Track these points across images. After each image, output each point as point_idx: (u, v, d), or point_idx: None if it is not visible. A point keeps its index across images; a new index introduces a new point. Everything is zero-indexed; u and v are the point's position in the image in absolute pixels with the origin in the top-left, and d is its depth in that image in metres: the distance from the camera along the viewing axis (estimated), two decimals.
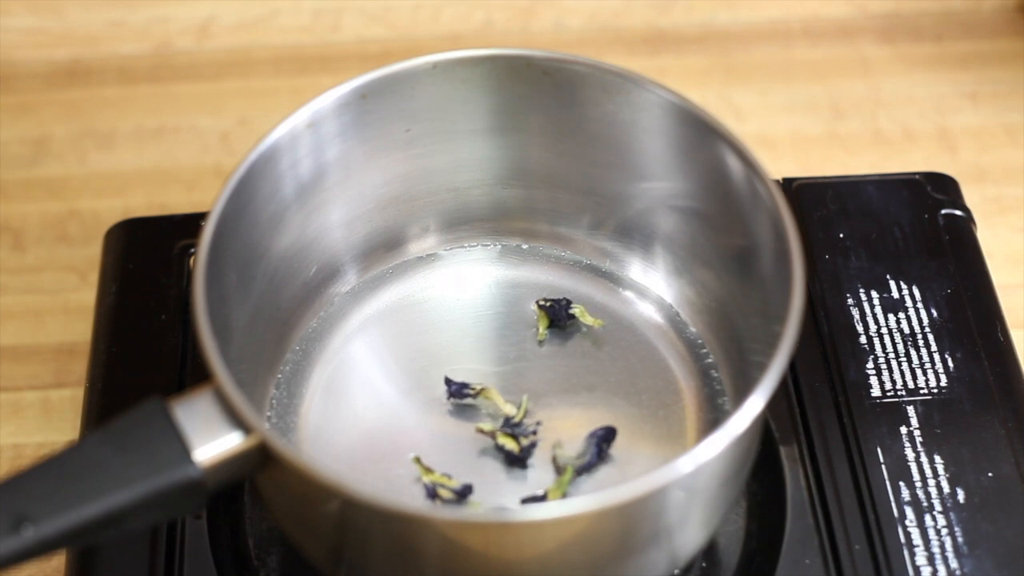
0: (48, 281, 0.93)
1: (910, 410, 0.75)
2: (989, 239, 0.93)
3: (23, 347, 0.89)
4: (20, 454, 0.84)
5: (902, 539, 0.71)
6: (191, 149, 1.01)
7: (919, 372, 0.77)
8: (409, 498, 0.69)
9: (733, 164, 0.69)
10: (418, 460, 0.71)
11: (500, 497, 0.71)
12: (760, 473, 0.73)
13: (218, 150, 1.01)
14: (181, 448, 0.60)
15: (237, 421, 0.61)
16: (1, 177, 0.98)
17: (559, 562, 0.62)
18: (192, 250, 0.80)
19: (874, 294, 0.80)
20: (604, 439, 0.72)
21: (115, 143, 1.01)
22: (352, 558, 0.66)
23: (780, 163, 0.98)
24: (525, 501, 0.70)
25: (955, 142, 1.00)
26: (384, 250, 0.79)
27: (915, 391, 0.76)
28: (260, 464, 0.61)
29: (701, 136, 0.71)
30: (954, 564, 0.70)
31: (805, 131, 1.01)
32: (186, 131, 1.02)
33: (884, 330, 0.78)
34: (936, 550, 0.70)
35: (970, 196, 0.93)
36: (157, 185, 0.98)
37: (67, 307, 0.91)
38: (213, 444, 0.60)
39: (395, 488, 0.71)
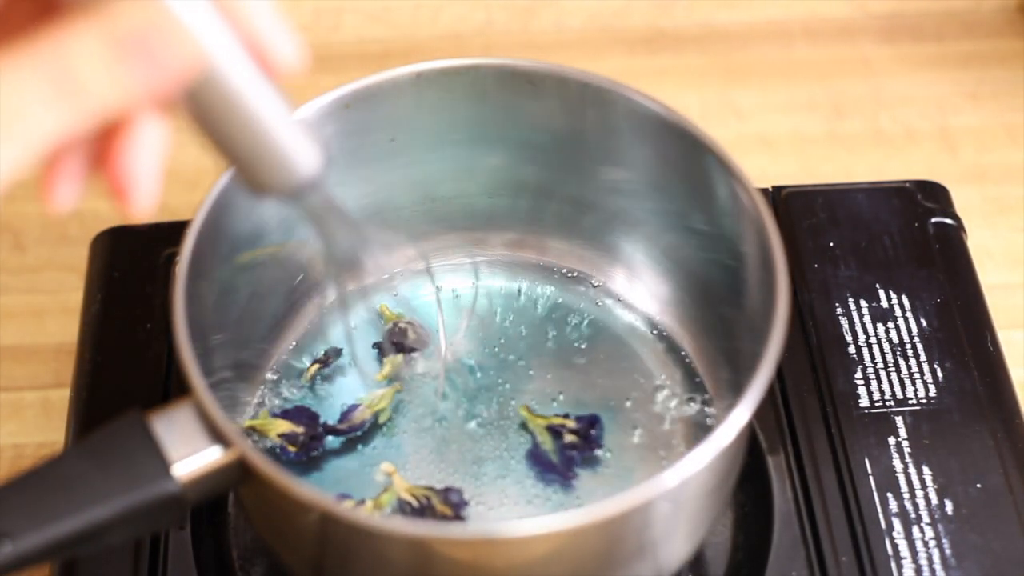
0: (48, 281, 0.93)
1: (898, 420, 0.75)
2: (989, 239, 0.92)
3: (23, 347, 0.89)
4: (20, 454, 0.84)
5: (889, 551, 0.70)
6: (191, 149, 1.00)
7: (908, 382, 0.76)
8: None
9: (717, 173, 0.69)
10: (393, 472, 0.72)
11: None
12: (747, 484, 0.73)
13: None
14: (160, 462, 0.59)
15: (216, 435, 0.60)
16: None
17: None
18: (178, 259, 0.80)
19: (863, 303, 0.79)
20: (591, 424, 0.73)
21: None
22: (333, 571, 0.65)
23: (780, 163, 0.98)
24: None
25: (956, 142, 0.99)
26: (368, 260, 0.78)
27: (904, 401, 0.75)
28: (240, 478, 0.61)
29: (685, 145, 0.70)
30: None
31: (805, 131, 1.00)
32: (186, 131, 1.02)
33: (873, 340, 0.78)
34: (924, 562, 0.70)
35: (970, 196, 0.93)
36: None
37: (67, 307, 0.90)
38: (192, 459, 0.60)
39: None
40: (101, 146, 0.48)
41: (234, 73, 0.48)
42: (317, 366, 0.76)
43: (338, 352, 0.76)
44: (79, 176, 0.48)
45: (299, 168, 0.53)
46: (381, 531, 0.59)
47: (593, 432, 0.73)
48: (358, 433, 0.73)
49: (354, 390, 0.75)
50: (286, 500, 0.60)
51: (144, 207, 0.48)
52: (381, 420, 0.73)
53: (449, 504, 0.70)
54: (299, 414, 0.73)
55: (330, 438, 0.73)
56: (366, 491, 0.71)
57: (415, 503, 0.70)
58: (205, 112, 0.49)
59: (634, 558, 0.64)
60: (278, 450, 0.72)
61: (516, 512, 0.71)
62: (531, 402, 0.74)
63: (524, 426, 0.73)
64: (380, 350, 0.76)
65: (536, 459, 0.72)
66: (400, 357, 0.75)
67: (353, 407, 0.74)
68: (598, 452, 0.72)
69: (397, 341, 0.76)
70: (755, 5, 1.07)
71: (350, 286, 0.74)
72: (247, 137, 0.51)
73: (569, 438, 0.72)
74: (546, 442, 0.72)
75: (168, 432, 0.60)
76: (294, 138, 0.52)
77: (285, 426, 0.72)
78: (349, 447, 0.73)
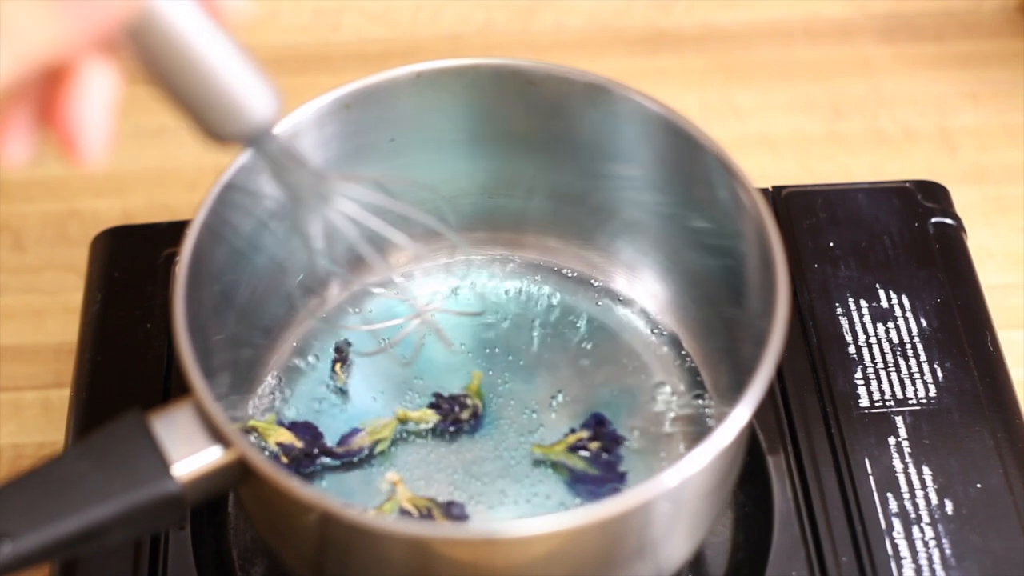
0: (48, 281, 0.93)
1: (898, 420, 0.75)
2: (989, 239, 0.93)
3: (23, 347, 0.89)
4: (20, 454, 0.84)
5: (889, 551, 0.70)
6: (191, 149, 1.00)
7: (908, 382, 0.76)
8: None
9: (717, 173, 0.69)
10: (399, 482, 0.72)
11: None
12: (747, 484, 0.73)
13: (218, 150, 1.01)
14: (160, 463, 0.60)
15: (216, 435, 0.60)
16: (1, 177, 0.98)
17: None
18: (178, 259, 0.80)
19: (863, 303, 0.79)
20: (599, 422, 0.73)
21: (115, 143, 1.00)
22: (333, 571, 0.65)
23: (780, 163, 0.98)
24: None
25: (955, 142, 0.99)
26: (368, 261, 0.78)
27: (904, 401, 0.75)
28: (240, 478, 0.61)
29: (685, 146, 0.70)
30: None
31: (805, 131, 1.00)
32: (186, 131, 1.01)
33: (873, 339, 0.78)
34: (924, 562, 0.70)
35: (970, 196, 0.93)
36: (157, 185, 0.98)
37: (67, 307, 0.91)
38: (192, 459, 0.60)
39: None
40: (48, 98, 0.46)
41: (177, 15, 0.47)
42: (340, 364, 0.76)
43: (348, 344, 0.76)
44: (28, 131, 0.47)
45: (252, 113, 0.52)
46: (381, 531, 0.59)
47: (606, 429, 0.72)
48: (354, 459, 0.73)
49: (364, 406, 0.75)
50: (286, 500, 0.60)
51: (94, 159, 0.46)
52: (379, 449, 0.73)
53: (451, 517, 0.69)
54: (304, 429, 0.72)
55: (326, 459, 0.73)
56: (366, 502, 0.71)
57: (416, 514, 0.69)
58: (150, 56, 0.48)
59: (634, 558, 0.64)
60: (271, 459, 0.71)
61: (516, 512, 0.71)
62: (532, 402, 0.74)
63: (540, 462, 0.73)
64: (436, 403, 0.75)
65: (582, 482, 0.72)
66: (434, 415, 0.74)
67: (354, 432, 0.73)
68: (625, 442, 0.73)
69: (450, 409, 0.74)
70: (755, 5, 1.07)
71: (354, 285, 0.74)
72: (195, 82, 0.49)
73: (593, 446, 0.72)
74: (577, 463, 0.72)
75: (168, 432, 0.60)
76: (245, 82, 0.51)
77: (286, 436, 0.72)
78: (346, 464, 0.73)
